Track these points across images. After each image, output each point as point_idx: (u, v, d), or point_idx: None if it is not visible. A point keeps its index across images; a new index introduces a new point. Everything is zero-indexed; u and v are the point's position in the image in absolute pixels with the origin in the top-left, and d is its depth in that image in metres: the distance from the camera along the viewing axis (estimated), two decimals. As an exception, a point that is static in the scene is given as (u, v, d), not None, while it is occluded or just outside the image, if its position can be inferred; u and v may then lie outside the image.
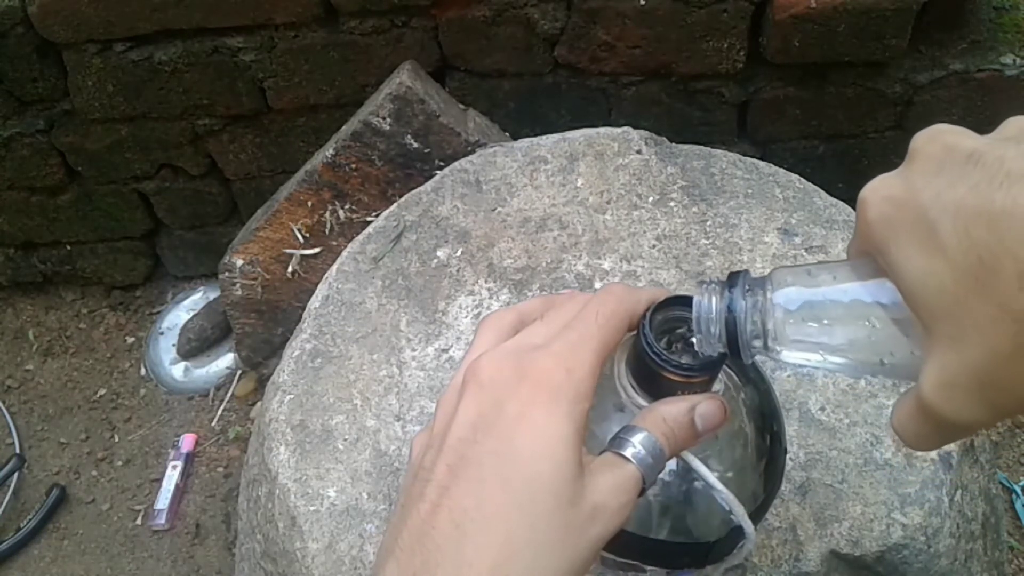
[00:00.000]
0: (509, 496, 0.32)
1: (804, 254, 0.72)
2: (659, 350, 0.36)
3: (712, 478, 0.38)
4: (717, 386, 0.39)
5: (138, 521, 1.29)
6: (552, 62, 1.23)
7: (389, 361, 0.67)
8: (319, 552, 0.57)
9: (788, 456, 0.53)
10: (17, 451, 1.36)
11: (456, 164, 0.83)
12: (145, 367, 1.46)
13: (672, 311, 0.38)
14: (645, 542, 0.40)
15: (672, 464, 0.39)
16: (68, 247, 1.50)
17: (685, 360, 0.36)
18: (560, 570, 0.32)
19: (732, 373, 0.42)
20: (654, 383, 0.37)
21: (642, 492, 0.36)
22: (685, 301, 0.37)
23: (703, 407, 0.36)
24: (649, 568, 0.41)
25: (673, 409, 0.36)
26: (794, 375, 0.64)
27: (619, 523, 0.34)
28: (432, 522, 0.33)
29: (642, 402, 0.38)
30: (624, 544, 0.40)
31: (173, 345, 1.46)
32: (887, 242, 0.29)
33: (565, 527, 0.33)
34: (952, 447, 0.59)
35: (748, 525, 0.39)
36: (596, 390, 0.36)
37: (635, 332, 0.38)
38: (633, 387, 0.38)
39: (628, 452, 0.35)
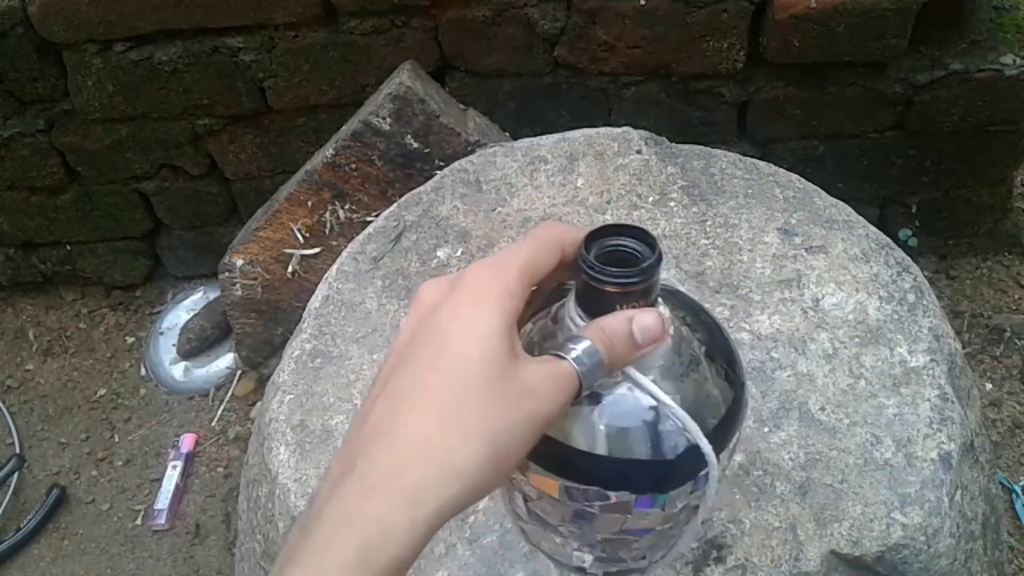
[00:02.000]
0: (439, 375, 0.34)
1: (804, 254, 0.72)
2: (593, 262, 0.37)
3: (658, 391, 0.39)
4: (660, 308, 0.40)
5: (138, 521, 1.29)
6: (552, 62, 1.23)
7: (389, 361, 0.67)
8: (319, 552, 0.57)
9: (750, 406, 0.54)
10: (17, 451, 1.36)
11: (456, 164, 0.83)
12: (145, 367, 1.46)
13: (611, 238, 0.39)
14: (602, 462, 0.40)
15: (627, 387, 0.40)
16: (68, 247, 1.50)
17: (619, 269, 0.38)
18: (495, 437, 0.34)
19: (682, 315, 0.43)
20: (597, 304, 0.38)
21: (578, 395, 0.37)
22: (623, 230, 0.39)
23: (641, 318, 0.38)
24: (612, 494, 0.41)
25: (612, 320, 0.38)
26: (794, 375, 0.64)
27: (553, 409, 0.35)
28: (370, 411, 0.34)
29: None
30: (581, 466, 0.40)
31: (173, 345, 1.46)
32: None
33: (497, 398, 0.34)
34: (952, 447, 0.59)
35: (704, 443, 0.39)
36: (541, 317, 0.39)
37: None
38: (580, 316, 0.39)
39: (565, 354, 0.37)
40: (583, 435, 0.41)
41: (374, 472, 0.33)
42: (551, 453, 0.41)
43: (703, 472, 0.40)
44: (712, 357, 0.44)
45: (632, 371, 0.39)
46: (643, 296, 0.38)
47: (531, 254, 0.38)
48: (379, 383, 0.36)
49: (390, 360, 0.36)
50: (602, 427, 0.41)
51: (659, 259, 0.38)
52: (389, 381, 0.35)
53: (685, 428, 0.39)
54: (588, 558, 0.48)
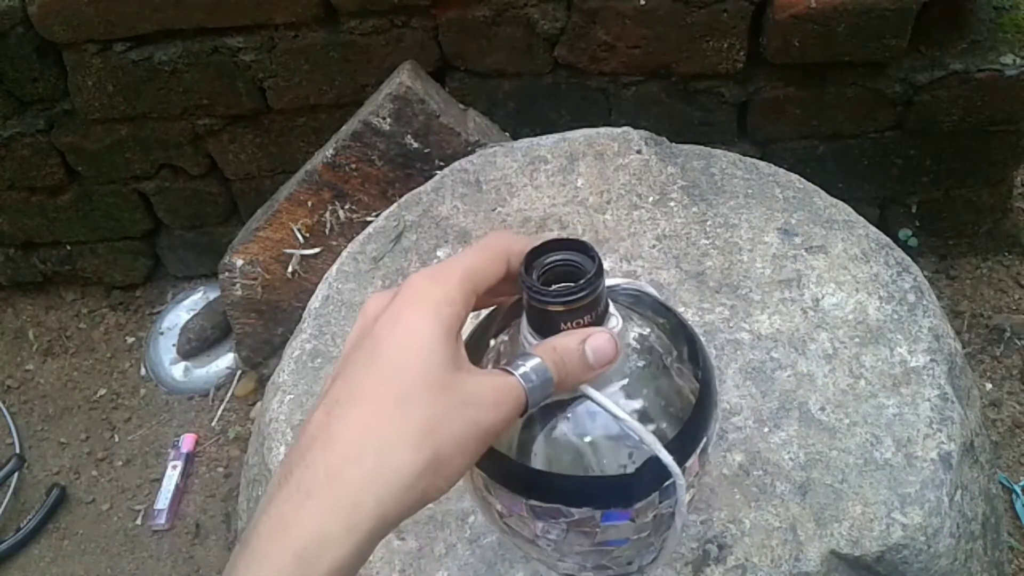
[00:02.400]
0: (376, 379, 0.34)
1: (804, 254, 0.72)
2: (532, 282, 0.37)
3: (614, 407, 0.39)
4: (612, 322, 0.39)
5: (138, 521, 1.29)
6: (552, 62, 1.23)
7: (389, 361, 0.67)
8: (319, 552, 0.57)
9: (721, 405, 0.53)
10: (17, 451, 1.36)
11: (456, 164, 0.83)
12: (145, 367, 1.46)
13: (552, 254, 0.39)
14: (562, 480, 0.40)
15: (584, 404, 0.40)
16: (68, 247, 1.50)
17: (560, 287, 0.37)
18: (434, 440, 0.33)
19: (642, 319, 0.43)
20: (546, 324, 0.38)
21: (525, 411, 0.37)
22: (566, 244, 0.39)
23: (593, 339, 0.37)
24: (576, 511, 0.41)
25: (564, 339, 0.37)
26: (794, 375, 0.64)
27: (496, 421, 0.35)
28: (309, 421, 0.34)
29: None
30: (541, 485, 0.40)
31: (173, 345, 1.46)
32: None
33: (436, 402, 0.33)
34: (952, 447, 0.59)
35: (665, 455, 0.39)
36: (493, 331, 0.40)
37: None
38: (531, 334, 0.39)
39: (513, 369, 0.36)
40: (542, 453, 0.41)
41: (310, 478, 0.32)
42: (511, 472, 0.41)
43: (669, 482, 0.40)
44: (677, 358, 0.43)
45: (587, 388, 0.39)
46: (589, 310, 0.38)
47: (475, 263, 0.38)
48: (321, 394, 0.35)
49: (334, 371, 0.36)
50: (560, 445, 0.41)
51: (598, 272, 0.37)
52: (328, 391, 0.35)
53: (643, 441, 0.39)
54: (574, 566, 0.48)
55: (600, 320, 0.39)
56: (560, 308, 0.37)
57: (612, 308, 0.40)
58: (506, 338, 0.43)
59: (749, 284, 0.70)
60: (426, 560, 0.56)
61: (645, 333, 0.43)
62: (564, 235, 0.39)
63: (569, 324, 0.38)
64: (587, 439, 0.40)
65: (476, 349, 0.44)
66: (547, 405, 0.39)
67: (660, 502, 0.42)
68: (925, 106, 1.25)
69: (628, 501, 0.41)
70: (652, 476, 0.40)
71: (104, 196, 1.42)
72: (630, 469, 0.40)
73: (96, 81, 1.25)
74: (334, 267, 0.76)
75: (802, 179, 0.79)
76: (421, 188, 0.81)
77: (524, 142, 0.84)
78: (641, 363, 0.41)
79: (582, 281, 0.37)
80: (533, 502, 0.41)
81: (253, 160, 1.37)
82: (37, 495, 1.32)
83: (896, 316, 0.67)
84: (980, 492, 0.63)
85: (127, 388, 1.45)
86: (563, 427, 0.40)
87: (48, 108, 1.31)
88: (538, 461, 0.41)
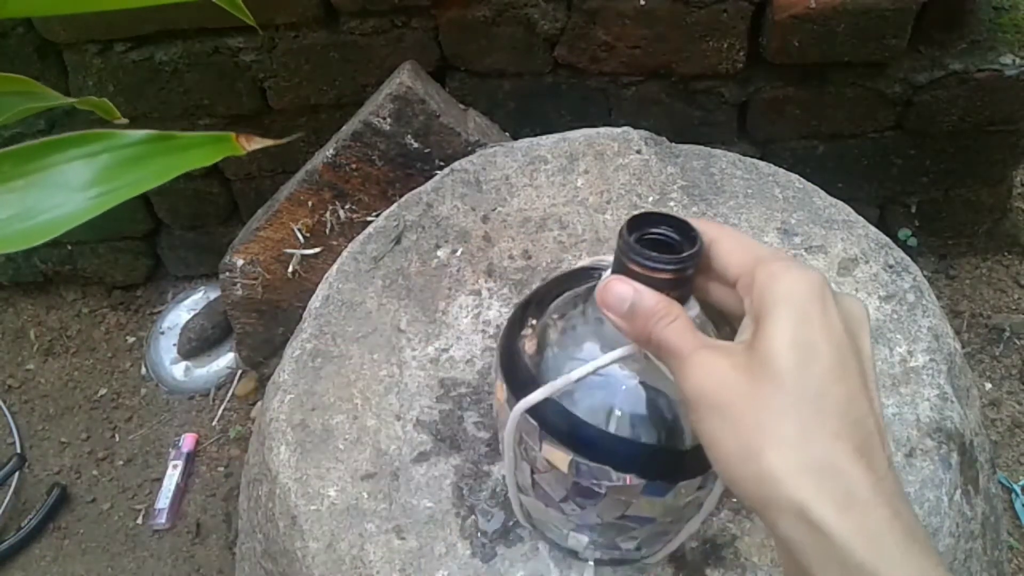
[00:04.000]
0: None
1: (804, 253, 0.72)
2: (638, 248, 0.37)
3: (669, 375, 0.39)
4: (692, 309, 0.39)
5: (139, 520, 1.29)
6: (552, 62, 1.23)
7: (389, 361, 0.67)
8: (319, 551, 0.57)
9: None
10: (18, 451, 1.37)
11: (456, 164, 0.83)
12: (146, 367, 1.47)
13: (658, 227, 0.38)
14: (618, 442, 0.40)
15: (651, 373, 0.40)
16: (69, 247, 1.50)
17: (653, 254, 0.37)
18: None
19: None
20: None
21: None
22: (669, 221, 0.38)
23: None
24: (623, 476, 0.41)
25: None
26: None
27: None
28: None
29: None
30: (596, 443, 0.40)
31: (174, 345, 1.46)
32: None
33: None
34: (951, 447, 0.59)
35: None
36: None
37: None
38: None
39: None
40: (602, 413, 0.41)
41: None
42: (567, 426, 0.41)
43: (712, 469, 0.41)
44: None
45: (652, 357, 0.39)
46: (678, 286, 0.37)
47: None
48: None
49: None
50: (623, 408, 0.41)
51: (700, 251, 0.36)
52: None
53: None
54: (584, 540, 0.48)
55: (683, 301, 0.38)
56: (664, 276, 0.36)
57: (692, 298, 0.39)
58: (557, 316, 0.44)
59: (749, 284, 0.70)
60: (426, 560, 0.56)
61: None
62: (667, 211, 0.39)
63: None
64: (645, 408, 0.41)
65: (514, 326, 0.44)
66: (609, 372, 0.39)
67: (699, 488, 0.42)
68: (925, 106, 1.25)
69: (676, 476, 0.41)
70: (704, 459, 0.41)
71: (105, 196, 1.42)
72: (683, 446, 0.41)
73: (97, 81, 1.25)
74: (334, 267, 0.76)
75: (802, 179, 0.79)
76: (421, 188, 0.81)
77: (524, 142, 0.84)
78: None
79: (684, 255, 0.36)
80: (581, 459, 0.41)
81: (253, 160, 1.37)
82: (38, 495, 1.32)
83: (896, 316, 0.67)
84: (980, 492, 0.63)
85: (128, 388, 1.45)
86: (626, 391, 0.40)
87: (48, 108, 1.31)
88: (594, 420, 0.41)
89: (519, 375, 0.43)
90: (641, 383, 0.41)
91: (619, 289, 0.37)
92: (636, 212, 0.39)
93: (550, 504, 0.46)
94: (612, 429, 0.40)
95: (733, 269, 0.37)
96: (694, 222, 0.38)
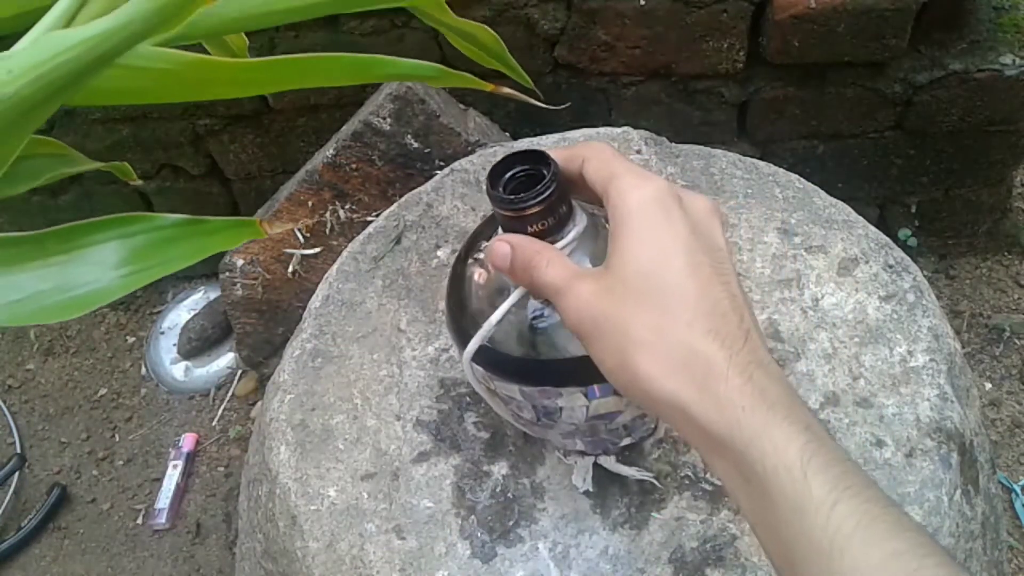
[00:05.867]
0: None
1: (804, 253, 0.72)
2: (496, 193, 0.41)
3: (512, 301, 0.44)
4: (575, 223, 0.42)
5: (139, 520, 1.29)
6: (552, 62, 1.23)
7: (389, 361, 0.67)
8: (319, 551, 0.57)
9: None
10: (18, 450, 1.37)
11: (456, 164, 0.83)
12: (146, 366, 1.47)
13: (519, 167, 0.43)
14: (543, 364, 0.45)
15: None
16: (69, 247, 1.50)
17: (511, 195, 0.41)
18: None
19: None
20: (515, 229, 0.42)
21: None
22: (527, 156, 0.42)
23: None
24: (563, 391, 0.45)
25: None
26: (793, 374, 0.64)
27: None
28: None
29: None
30: (528, 370, 0.45)
31: (174, 345, 1.46)
32: None
33: None
34: (952, 447, 0.59)
35: None
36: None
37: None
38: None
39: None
40: (528, 341, 0.45)
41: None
42: (503, 362, 0.46)
43: None
44: None
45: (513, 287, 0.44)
46: (547, 215, 0.41)
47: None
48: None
49: None
50: (544, 332, 0.45)
51: (551, 180, 0.40)
52: None
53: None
54: (578, 445, 0.53)
55: (564, 221, 0.42)
56: (533, 210, 0.40)
57: (578, 210, 0.43)
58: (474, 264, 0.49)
59: (748, 283, 0.70)
60: (426, 560, 0.56)
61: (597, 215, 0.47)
62: (526, 147, 0.44)
63: (534, 227, 0.41)
64: (562, 329, 0.44)
65: (465, 256, 0.50)
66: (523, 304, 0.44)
67: None
68: (925, 106, 1.25)
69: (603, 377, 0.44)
70: None
71: (105, 196, 1.42)
72: None
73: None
74: (334, 267, 0.76)
75: (802, 179, 0.79)
76: (421, 188, 0.81)
77: (524, 142, 0.84)
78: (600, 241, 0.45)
79: (539, 187, 0.40)
80: (525, 387, 0.45)
81: (253, 160, 1.37)
82: (38, 494, 1.32)
83: (895, 316, 0.67)
84: (979, 492, 0.63)
85: (128, 387, 1.45)
86: (537, 316, 0.44)
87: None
88: (518, 351, 0.45)
89: (457, 328, 0.48)
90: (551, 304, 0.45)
91: (499, 248, 0.41)
92: (494, 161, 0.43)
93: (532, 426, 0.51)
94: (543, 354, 0.44)
95: (599, 187, 0.40)
96: (553, 151, 0.42)
